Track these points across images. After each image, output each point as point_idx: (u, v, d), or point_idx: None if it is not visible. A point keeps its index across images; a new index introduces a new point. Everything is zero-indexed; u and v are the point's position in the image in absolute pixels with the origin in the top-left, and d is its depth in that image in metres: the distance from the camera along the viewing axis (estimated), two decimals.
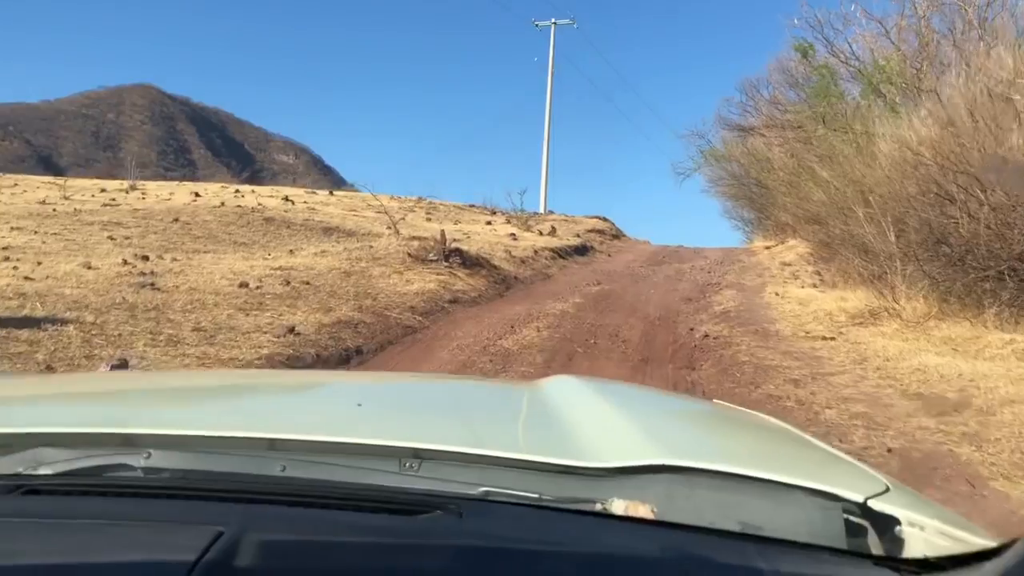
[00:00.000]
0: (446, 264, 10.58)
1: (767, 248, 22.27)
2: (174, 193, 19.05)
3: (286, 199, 19.22)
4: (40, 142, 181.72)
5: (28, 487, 0.85)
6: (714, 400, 3.01)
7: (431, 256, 10.69)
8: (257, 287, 8.32)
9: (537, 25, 35.41)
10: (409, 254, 10.67)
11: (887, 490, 0.94)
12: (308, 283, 8.83)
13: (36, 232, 10.97)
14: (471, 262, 11.23)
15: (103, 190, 18.36)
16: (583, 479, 0.94)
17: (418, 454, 0.97)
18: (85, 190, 18.22)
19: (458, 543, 0.74)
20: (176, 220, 12.82)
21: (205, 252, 11.06)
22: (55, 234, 10.94)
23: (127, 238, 11.17)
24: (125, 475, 0.95)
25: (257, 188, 25.27)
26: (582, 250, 19.05)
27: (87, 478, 0.93)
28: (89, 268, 8.27)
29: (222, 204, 15.61)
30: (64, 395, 1.49)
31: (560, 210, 33.07)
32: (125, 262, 8.95)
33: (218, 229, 12.89)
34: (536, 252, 15.37)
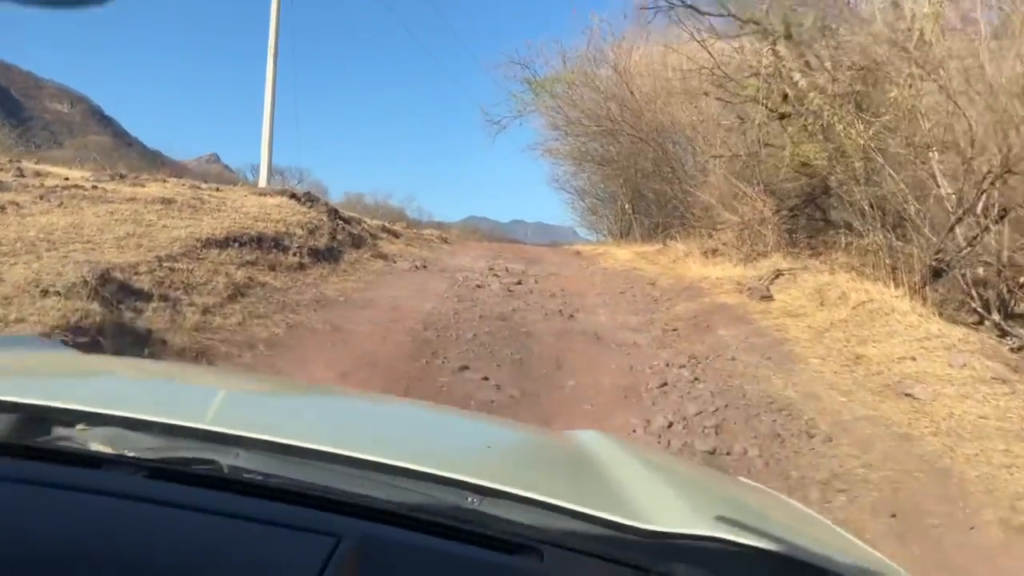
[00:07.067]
0: None
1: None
2: None
3: None
4: None
5: (149, 470, 0.90)
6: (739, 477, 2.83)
7: None
8: None
9: None
10: None
11: None
12: None
13: None
14: None
15: None
16: (638, 538, 0.95)
17: (480, 491, 0.98)
18: None
19: None
20: None
21: None
22: None
23: None
24: (209, 469, 0.95)
25: None
26: None
27: (193, 467, 0.95)
28: None
29: None
30: (142, 381, 1.55)
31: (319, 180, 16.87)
32: None
33: None
34: None
